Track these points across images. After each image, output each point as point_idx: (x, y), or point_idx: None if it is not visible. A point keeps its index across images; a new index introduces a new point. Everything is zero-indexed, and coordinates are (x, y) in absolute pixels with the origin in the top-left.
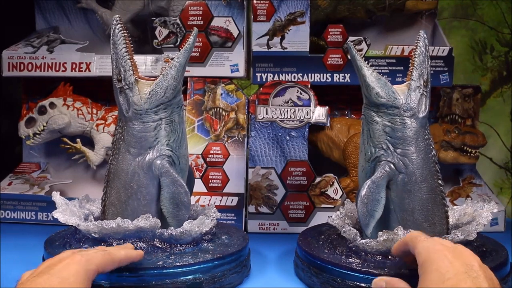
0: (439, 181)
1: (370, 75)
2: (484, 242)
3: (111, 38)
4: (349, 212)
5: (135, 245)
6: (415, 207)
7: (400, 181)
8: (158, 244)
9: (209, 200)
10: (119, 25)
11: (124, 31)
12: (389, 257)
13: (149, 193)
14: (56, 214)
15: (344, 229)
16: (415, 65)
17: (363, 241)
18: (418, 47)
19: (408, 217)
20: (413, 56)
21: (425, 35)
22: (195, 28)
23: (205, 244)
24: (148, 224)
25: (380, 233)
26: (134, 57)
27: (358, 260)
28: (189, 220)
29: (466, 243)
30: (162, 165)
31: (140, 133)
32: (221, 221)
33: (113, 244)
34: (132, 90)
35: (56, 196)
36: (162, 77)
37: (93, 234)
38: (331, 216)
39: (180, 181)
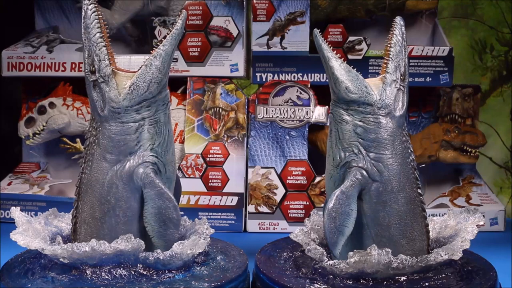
0: (419, 190)
1: (338, 66)
2: (469, 259)
3: (83, 21)
4: (316, 225)
5: (114, 272)
6: (392, 221)
7: (374, 190)
8: (142, 271)
9: (209, 200)
10: (92, 5)
11: (99, 12)
12: (361, 281)
13: (130, 209)
14: (15, 236)
15: (308, 247)
16: (390, 56)
17: (331, 262)
18: (394, 36)
19: (383, 232)
20: (389, 45)
21: (401, 22)
22: (183, 11)
23: (198, 269)
24: (129, 247)
25: (351, 253)
26: (111, 46)
27: (324, 286)
28: (179, 242)
29: (450, 262)
30: (146, 175)
31: (118, 136)
32: (212, 235)
33: (87, 271)
34: (108, 83)
35: (15, 213)
36: (145, 68)
37: (61, 260)
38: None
39: (168, 194)
